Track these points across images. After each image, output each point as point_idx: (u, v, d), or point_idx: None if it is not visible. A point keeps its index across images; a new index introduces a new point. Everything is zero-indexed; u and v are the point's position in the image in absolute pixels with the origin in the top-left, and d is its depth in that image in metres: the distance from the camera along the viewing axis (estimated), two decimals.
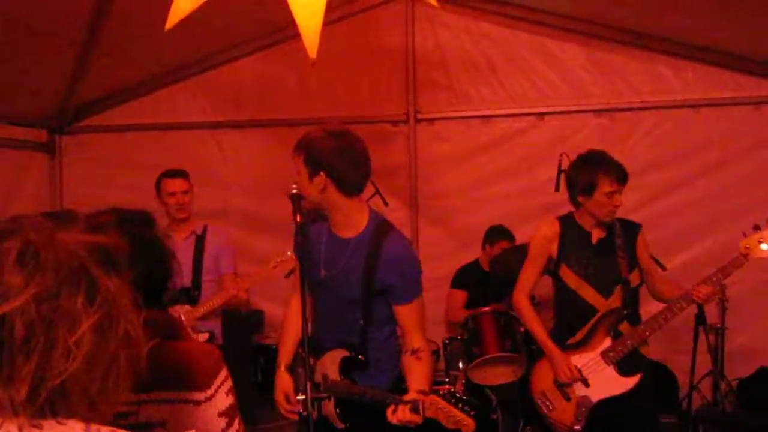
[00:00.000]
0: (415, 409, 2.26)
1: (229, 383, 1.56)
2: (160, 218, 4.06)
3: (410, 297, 2.53)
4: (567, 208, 4.88)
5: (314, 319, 2.71)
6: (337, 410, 2.55)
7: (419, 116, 5.29)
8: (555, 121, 5.14)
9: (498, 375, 4.30)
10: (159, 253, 1.56)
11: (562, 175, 4.38)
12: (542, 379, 3.35)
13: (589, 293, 3.24)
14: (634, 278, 3.27)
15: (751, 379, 4.57)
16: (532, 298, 3.62)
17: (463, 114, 5.25)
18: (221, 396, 1.53)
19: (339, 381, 2.56)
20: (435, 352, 4.56)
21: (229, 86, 5.48)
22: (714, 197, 4.82)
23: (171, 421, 1.46)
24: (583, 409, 3.21)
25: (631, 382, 3.20)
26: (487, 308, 4.39)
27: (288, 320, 2.80)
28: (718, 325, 4.57)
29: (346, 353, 2.57)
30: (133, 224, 1.52)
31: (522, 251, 4.42)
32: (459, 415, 2.23)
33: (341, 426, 2.55)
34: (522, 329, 4.34)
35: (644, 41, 4.90)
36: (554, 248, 3.32)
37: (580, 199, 3.23)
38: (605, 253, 3.26)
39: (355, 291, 2.52)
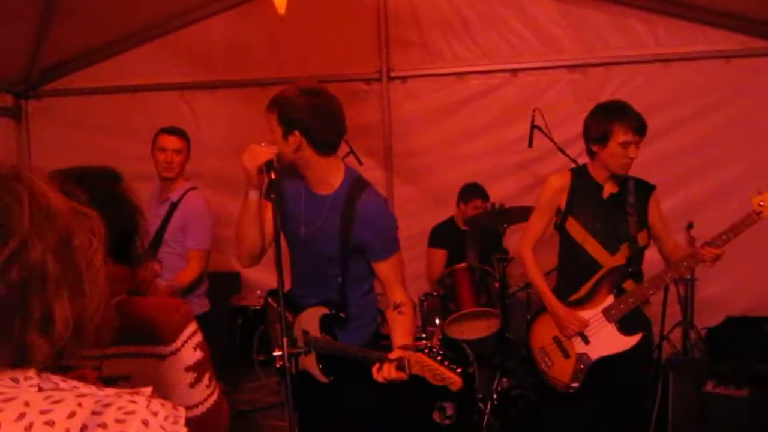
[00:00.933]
0: (401, 367, 2.27)
1: (197, 338, 1.55)
2: (153, 181, 3.93)
3: (387, 253, 2.54)
4: (540, 164, 4.94)
5: (292, 275, 2.72)
6: (320, 366, 2.57)
7: (392, 74, 5.25)
8: (528, 77, 5.12)
9: (474, 330, 4.36)
10: (126, 209, 1.54)
11: (535, 131, 4.42)
12: (542, 335, 3.28)
13: (594, 247, 3.14)
14: (642, 238, 3.16)
15: (719, 328, 4.68)
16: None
17: (437, 71, 5.21)
18: (188, 350, 1.52)
19: (320, 337, 2.58)
20: None
21: (198, 46, 5.37)
22: (685, 151, 4.86)
23: (135, 375, 1.45)
24: (582, 367, 3.14)
25: (632, 340, 3.11)
26: (462, 264, 4.43)
27: None
28: (688, 276, 4.66)
29: (326, 311, 2.59)
30: (99, 180, 1.51)
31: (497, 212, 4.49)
32: (446, 372, 2.22)
33: (325, 380, 2.58)
34: (497, 284, 4.41)
35: None
36: (563, 199, 3.20)
37: (594, 148, 3.10)
38: (615, 208, 3.16)
39: (332, 249, 2.53)
